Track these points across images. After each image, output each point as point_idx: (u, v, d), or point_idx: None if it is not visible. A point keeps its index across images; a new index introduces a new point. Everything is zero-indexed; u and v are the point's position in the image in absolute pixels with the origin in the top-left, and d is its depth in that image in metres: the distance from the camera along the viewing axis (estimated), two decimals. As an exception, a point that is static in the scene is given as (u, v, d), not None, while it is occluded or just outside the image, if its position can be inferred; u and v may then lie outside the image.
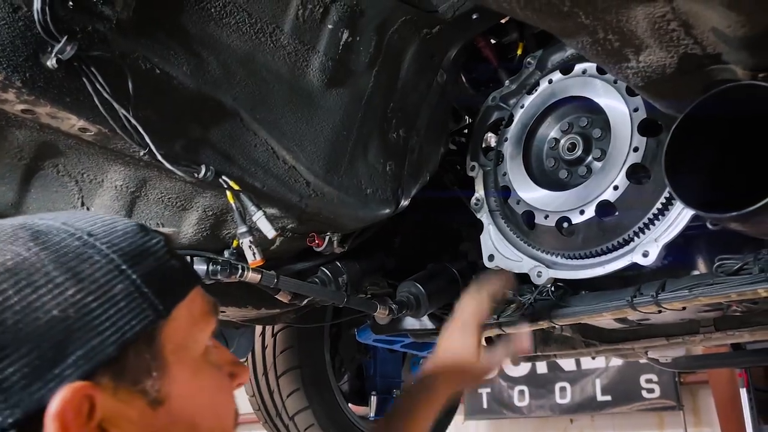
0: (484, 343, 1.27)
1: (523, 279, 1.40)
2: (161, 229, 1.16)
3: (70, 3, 0.84)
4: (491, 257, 1.45)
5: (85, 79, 0.86)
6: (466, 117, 1.72)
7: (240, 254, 1.18)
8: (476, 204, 1.51)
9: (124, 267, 0.55)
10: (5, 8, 0.79)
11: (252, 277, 1.21)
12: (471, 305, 1.21)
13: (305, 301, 1.42)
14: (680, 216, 1.17)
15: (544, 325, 1.45)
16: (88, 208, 1.12)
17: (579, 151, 1.33)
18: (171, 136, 1.00)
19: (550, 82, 1.40)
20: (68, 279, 0.52)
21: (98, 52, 0.87)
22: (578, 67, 1.35)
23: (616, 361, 5.53)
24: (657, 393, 5.59)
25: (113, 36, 0.89)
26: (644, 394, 5.62)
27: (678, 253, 1.24)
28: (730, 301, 1.21)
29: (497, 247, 1.45)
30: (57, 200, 1.11)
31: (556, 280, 1.37)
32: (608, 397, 5.78)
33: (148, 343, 0.54)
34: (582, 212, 1.26)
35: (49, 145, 0.99)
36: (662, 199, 1.18)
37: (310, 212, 1.23)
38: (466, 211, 1.53)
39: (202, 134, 1.05)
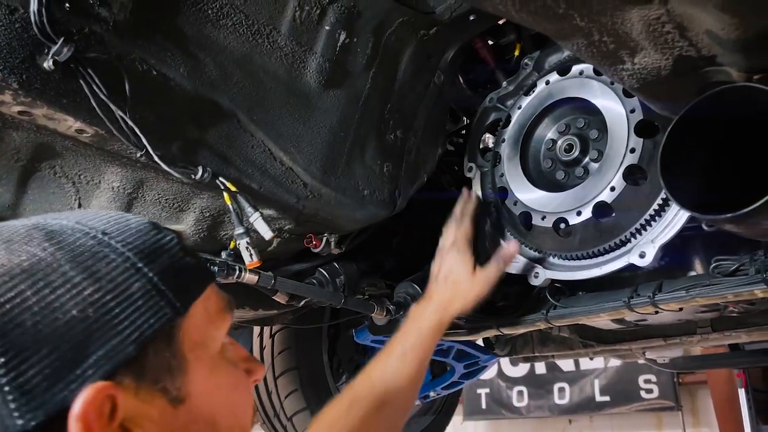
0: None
1: (520, 280, 1.40)
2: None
3: (67, 5, 0.84)
4: (489, 258, 1.45)
5: (81, 81, 0.86)
6: (464, 118, 1.73)
7: (237, 255, 1.18)
8: (474, 205, 1.51)
9: (140, 265, 0.55)
10: (1, 10, 0.79)
11: (249, 278, 1.21)
12: (454, 229, 1.31)
13: (303, 302, 1.43)
14: (677, 217, 1.17)
15: (541, 325, 1.45)
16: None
17: (576, 152, 1.33)
18: (168, 137, 1.00)
19: (548, 83, 1.41)
20: (86, 278, 0.51)
21: (95, 54, 0.87)
22: (575, 69, 1.36)
23: (615, 362, 5.54)
24: (655, 393, 5.60)
25: (110, 38, 0.89)
26: (643, 394, 5.63)
27: (675, 254, 1.24)
28: (726, 302, 1.22)
29: (494, 248, 1.45)
30: (54, 202, 1.11)
31: (553, 281, 1.38)
32: (607, 398, 5.78)
33: (167, 342, 0.54)
34: (579, 213, 1.26)
35: (45, 146, 1.00)
36: (659, 201, 1.18)
37: (307, 213, 1.24)
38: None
39: (199, 135, 1.05)
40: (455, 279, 1.25)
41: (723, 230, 1.01)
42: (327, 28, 1.16)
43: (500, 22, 1.50)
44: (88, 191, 1.11)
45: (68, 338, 0.49)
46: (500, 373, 6.26)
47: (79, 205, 1.12)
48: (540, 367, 6.10)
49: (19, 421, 0.46)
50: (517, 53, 1.55)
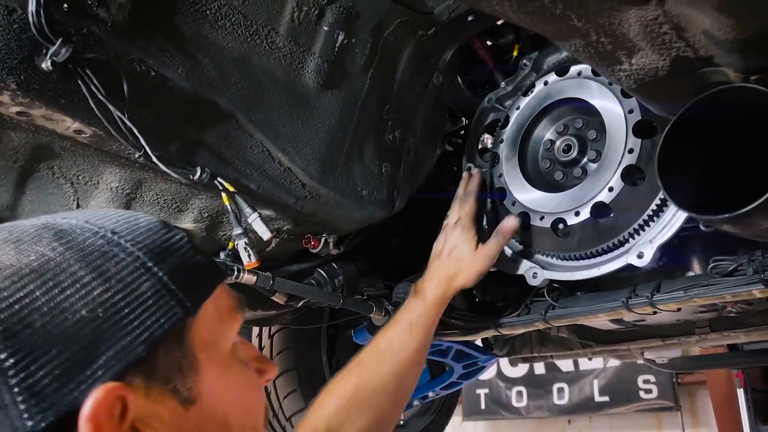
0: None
1: (518, 281, 1.40)
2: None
3: (65, 5, 0.84)
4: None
5: (80, 81, 0.86)
6: (463, 118, 1.73)
7: (236, 256, 1.18)
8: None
9: (150, 264, 0.54)
10: (0, 11, 0.79)
11: (248, 278, 1.21)
12: (458, 207, 1.34)
13: (301, 303, 1.43)
14: (675, 217, 1.17)
15: (540, 326, 1.45)
16: (83, 210, 1.12)
17: (574, 153, 1.33)
18: (166, 137, 1.00)
19: (546, 83, 1.41)
20: (95, 278, 0.51)
21: (93, 55, 0.87)
22: (573, 69, 1.36)
23: (614, 362, 5.54)
24: (654, 394, 5.60)
25: (108, 38, 0.89)
26: (642, 394, 5.64)
27: (673, 254, 1.24)
28: (724, 302, 1.22)
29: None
30: (52, 202, 1.11)
31: (551, 282, 1.38)
32: (606, 398, 5.79)
33: (178, 341, 0.54)
34: (577, 214, 1.26)
35: (44, 147, 1.00)
36: (657, 201, 1.18)
37: (305, 214, 1.24)
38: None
39: (198, 136, 1.05)
40: (458, 255, 1.27)
41: (721, 231, 1.01)
42: (325, 28, 1.16)
43: (499, 22, 1.50)
44: (86, 192, 1.11)
45: (78, 339, 0.48)
46: (499, 374, 6.26)
47: (78, 206, 1.12)
48: (539, 368, 6.11)
49: (29, 423, 0.45)
50: (515, 54, 1.55)
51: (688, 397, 5.72)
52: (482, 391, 6.34)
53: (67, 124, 0.90)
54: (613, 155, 1.23)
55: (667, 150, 0.93)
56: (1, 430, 0.45)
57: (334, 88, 1.22)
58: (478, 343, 1.99)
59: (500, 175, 1.41)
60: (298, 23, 1.12)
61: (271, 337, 2.11)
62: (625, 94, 1.23)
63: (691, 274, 1.30)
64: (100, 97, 0.88)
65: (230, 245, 1.22)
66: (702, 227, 1.16)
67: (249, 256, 1.14)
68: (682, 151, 0.93)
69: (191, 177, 1.03)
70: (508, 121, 1.45)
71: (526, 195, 1.36)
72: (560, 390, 6.01)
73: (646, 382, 5.61)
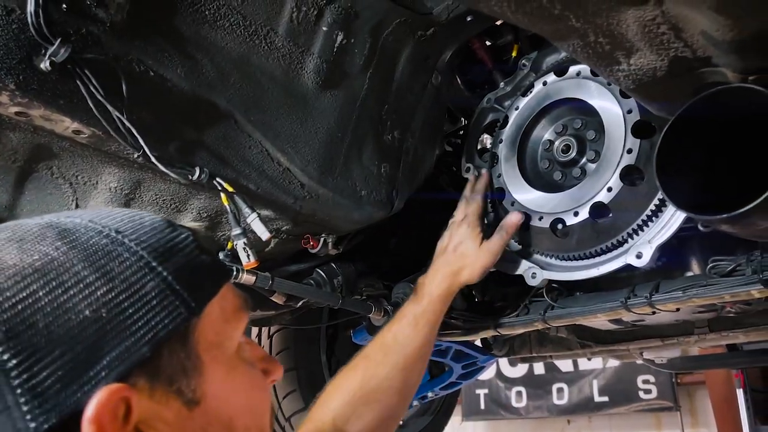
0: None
1: (517, 281, 1.40)
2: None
3: (64, 5, 0.84)
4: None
5: (78, 82, 0.86)
6: (462, 119, 1.73)
7: (235, 256, 1.18)
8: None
9: (154, 264, 0.54)
10: (-2, 11, 0.79)
11: (247, 278, 1.21)
12: (465, 205, 1.36)
13: (300, 303, 1.43)
14: (674, 218, 1.17)
15: (539, 326, 1.45)
16: (82, 210, 1.12)
17: (573, 153, 1.33)
18: (165, 138, 1.00)
19: (545, 83, 1.41)
20: (98, 278, 0.51)
21: (92, 55, 0.87)
22: (572, 69, 1.36)
23: (613, 362, 5.55)
24: (654, 394, 5.61)
25: (107, 38, 0.89)
26: (641, 394, 5.64)
27: (672, 254, 1.25)
28: (723, 302, 1.22)
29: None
30: (51, 202, 1.11)
31: (550, 282, 1.38)
32: (605, 398, 5.79)
33: (182, 342, 0.53)
34: (576, 214, 1.26)
35: (43, 147, 1.00)
36: (656, 201, 1.18)
37: (304, 214, 1.24)
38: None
39: (197, 136, 1.05)
40: (463, 251, 1.29)
41: (719, 231, 1.01)
42: (324, 29, 1.16)
43: (498, 22, 1.50)
44: (85, 192, 1.11)
45: (81, 339, 0.48)
46: (499, 374, 6.27)
47: (77, 206, 1.12)
48: (539, 368, 6.11)
49: (32, 424, 0.45)
50: (514, 54, 1.55)
51: (687, 397, 5.72)
52: (482, 392, 6.34)
53: (66, 125, 0.90)
54: (612, 155, 1.23)
55: (665, 150, 0.93)
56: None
57: (333, 88, 1.22)
58: (477, 343, 1.99)
59: (499, 176, 1.42)
60: (297, 23, 1.12)
61: (270, 337, 2.11)
62: (624, 95, 1.23)
63: (689, 274, 1.30)
64: (99, 97, 0.88)
65: (229, 245, 1.22)
66: (700, 227, 1.16)
67: (248, 256, 1.14)
68: (680, 152, 0.93)
69: (190, 177, 1.03)
70: (507, 122, 1.45)
71: (525, 195, 1.36)
72: (560, 390, 6.01)
73: (645, 382, 5.61)
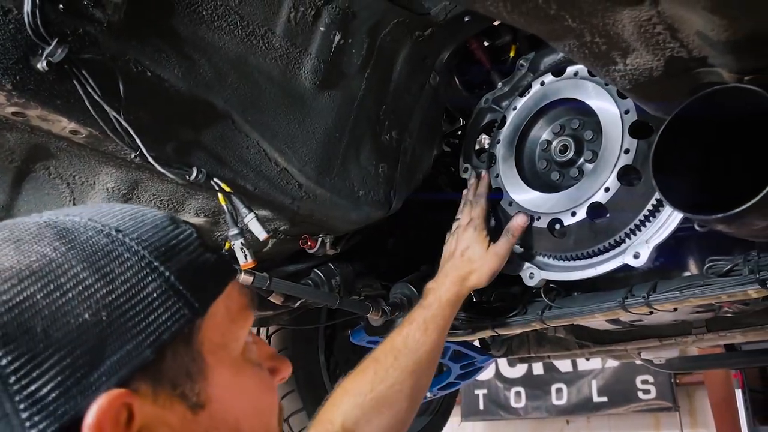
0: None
1: (515, 281, 1.40)
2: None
3: (61, 6, 0.84)
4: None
5: (75, 82, 0.86)
6: (460, 119, 1.73)
7: (232, 256, 1.18)
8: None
9: (155, 264, 0.52)
10: (-5, 11, 0.79)
11: (244, 279, 1.21)
12: (469, 209, 1.36)
13: (298, 303, 1.43)
14: (671, 218, 1.17)
15: (536, 326, 1.45)
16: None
17: (571, 153, 1.33)
18: (162, 138, 1.00)
19: (542, 84, 1.41)
20: (98, 280, 0.49)
21: (89, 55, 0.87)
22: (570, 70, 1.36)
23: (612, 363, 5.55)
24: (653, 394, 5.61)
25: (104, 38, 0.89)
26: (640, 395, 5.65)
27: (669, 254, 1.25)
28: (720, 302, 1.22)
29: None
30: (48, 202, 1.11)
31: (548, 282, 1.38)
32: (604, 399, 5.79)
33: (186, 344, 0.52)
34: (573, 214, 1.26)
35: (40, 147, 1.00)
36: (653, 201, 1.18)
37: (302, 214, 1.24)
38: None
39: (194, 136, 1.05)
40: (470, 255, 1.29)
41: (716, 231, 1.01)
42: (322, 29, 1.16)
43: (495, 23, 1.50)
44: (82, 192, 1.11)
45: (81, 343, 0.46)
46: (498, 374, 6.27)
47: (74, 206, 1.12)
48: (537, 368, 6.11)
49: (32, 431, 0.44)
50: (512, 54, 1.55)
51: (686, 397, 5.72)
52: (481, 392, 6.34)
53: (63, 125, 0.90)
54: (610, 156, 1.23)
55: (662, 150, 0.93)
56: None
57: (331, 88, 1.22)
58: (476, 343, 1.99)
59: (497, 176, 1.42)
60: (294, 24, 1.13)
61: (268, 337, 2.11)
62: (621, 95, 1.23)
63: (687, 274, 1.30)
64: (96, 97, 0.88)
65: (227, 246, 1.22)
66: (697, 227, 1.17)
67: (245, 256, 1.14)
68: (677, 152, 0.93)
69: (187, 177, 1.03)
70: (505, 122, 1.45)
71: (522, 195, 1.36)
72: (559, 390, 6.01)
73: (644, 382, 5.61)
